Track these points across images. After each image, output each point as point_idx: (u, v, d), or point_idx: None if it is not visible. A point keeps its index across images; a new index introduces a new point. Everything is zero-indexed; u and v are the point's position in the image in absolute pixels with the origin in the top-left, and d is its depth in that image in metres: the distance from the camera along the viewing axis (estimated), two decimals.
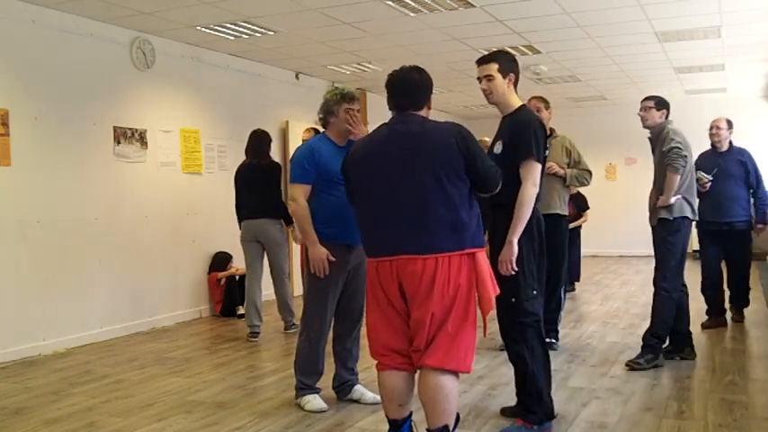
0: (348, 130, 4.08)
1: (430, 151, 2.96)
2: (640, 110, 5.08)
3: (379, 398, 4.21)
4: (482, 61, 3.64)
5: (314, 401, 4.10)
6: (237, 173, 6.49)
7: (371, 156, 3.08)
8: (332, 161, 3.99)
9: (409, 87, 3.12)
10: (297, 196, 4.04)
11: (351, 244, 4.01)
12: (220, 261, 7.66)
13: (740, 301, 6.43)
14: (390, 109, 3.16)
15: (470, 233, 2.97)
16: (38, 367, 5.38)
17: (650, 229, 5.02)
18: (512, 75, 3.57)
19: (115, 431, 3.87)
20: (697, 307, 6.04)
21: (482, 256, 3.00)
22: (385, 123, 3.16)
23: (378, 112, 11.22)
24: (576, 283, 9.08)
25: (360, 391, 4.25)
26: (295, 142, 7.12)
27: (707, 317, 6.28)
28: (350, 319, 4.24)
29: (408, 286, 2.95)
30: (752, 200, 6.16)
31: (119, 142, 6.63)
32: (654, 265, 5.00)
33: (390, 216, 2.98)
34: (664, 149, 4.79)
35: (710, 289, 6.22)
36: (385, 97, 3.16)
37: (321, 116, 4.17)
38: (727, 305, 6.38)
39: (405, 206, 2.95)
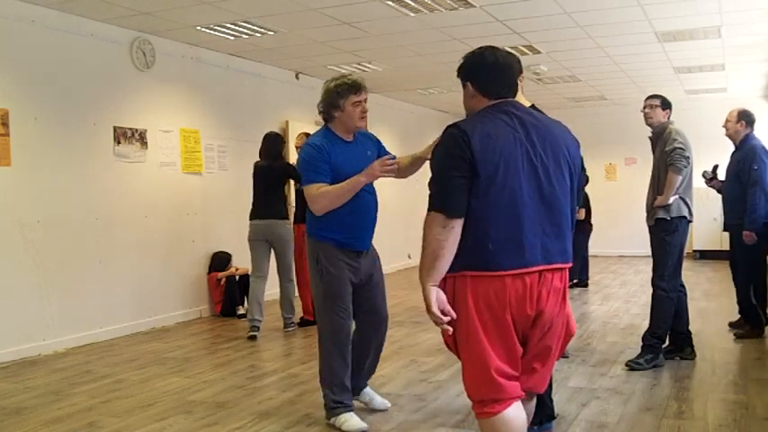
0: (357, 126, 3.71)
1: (564, 147, 2.54)
2: (645, 107, 5.02)
3: (388, 404, 4.02)
4: None
5: (351, 420, 3.70)
6: (253, 174, 6.56)
7: (510, 146, 2.43)
8: (343, 160, 3.63)
9: (514, 71, 2.64)
10: (317, 196, 3.58)
11: (360, 250, 3.76)
12: (220, 261, 7.66)
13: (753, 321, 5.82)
14: (486, 94, 2.57)
15: None
16: (38, 367, 5.38)
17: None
18: None
19: (115, 431, 3.87)
20: (696, 306, 6.04)
21: None
22: (488, 110, 2.54)
23: (378, 112, 11.22)
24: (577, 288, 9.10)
25: (369, 394, 4.05)
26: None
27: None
28: (373, 326, 3.90)
29: (549, 305, 2.46)
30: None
31: (119, 142, 6.63)
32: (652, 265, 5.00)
33: (540, 219, 2.45)
34: (666, 149, 4.78)
35: (737, 291, 5.92)
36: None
37: (322, 110, 3.73)
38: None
39: (552, 208, 2.48)
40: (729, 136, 5.83)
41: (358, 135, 3.82)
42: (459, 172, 2.39)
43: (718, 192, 6.03)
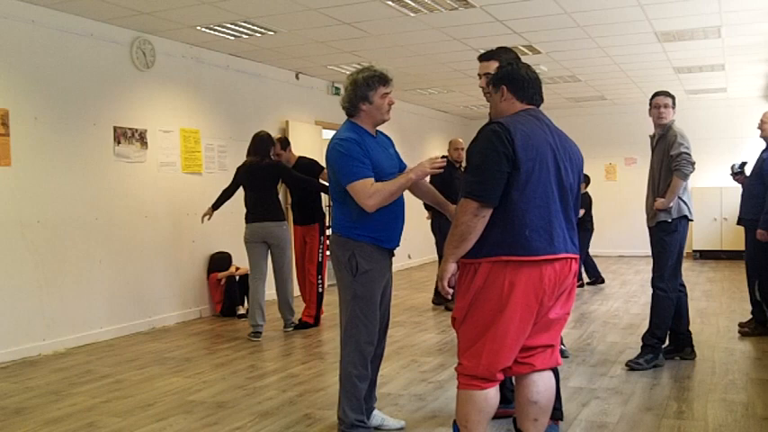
0: (384, 119, 3.51)
1: (576, 154, 2.92)
2: (660, 107, 4.90)
3: (402, 422, 3.80)
4: (483, 58, 3.60)
5: None
6: (238, 171, 6.55)
7: (543, 146, 2.76)
8: (377, 155, 3.45)
9: (541, 85, 2.98)
10: (373, 192, 3.33)
11: (393, 249, 3.57)
12: (220, 261, 7.66)
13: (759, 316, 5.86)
14: (519, 97, 2.89)
15: None
16: (38, 367, 5.38)
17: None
18: None
19: (115, 431, 3.87)
20: (696, 306, 6.04)
21: None
22: (521, 113, 2.86)
23: None
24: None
25: (379, 416, 3.76)
26: (295, 142, 7.10)
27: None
28: (382, 332, 3.66)
29: (565, 287, 2.83)
30: None
31: (119, 142, 6.63)
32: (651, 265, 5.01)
33: (560, 213, 2.78)
34: (672, 153, 4.75)
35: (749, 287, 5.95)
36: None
37: (347, 104, 3.49)
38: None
39: (568, 205, 2.82)
40: (765, 137, 5.84)
41: (377, 131, 3.64)
42: (500, 166, 2.67)
43: (742, 186, 6.07)
